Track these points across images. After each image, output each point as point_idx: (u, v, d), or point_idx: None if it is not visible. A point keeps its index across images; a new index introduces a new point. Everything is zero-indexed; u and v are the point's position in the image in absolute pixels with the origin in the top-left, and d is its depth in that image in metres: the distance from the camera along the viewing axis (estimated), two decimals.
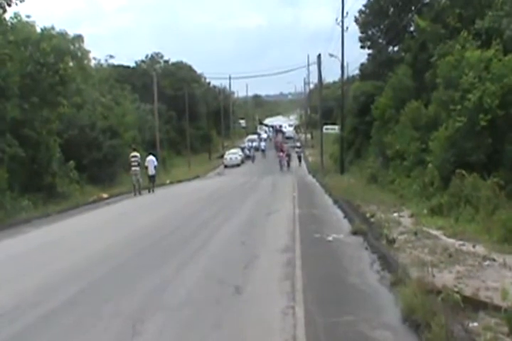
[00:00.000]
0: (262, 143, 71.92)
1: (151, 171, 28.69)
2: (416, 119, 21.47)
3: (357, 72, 43.14)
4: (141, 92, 54.15)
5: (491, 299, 7.06)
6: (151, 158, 29.37)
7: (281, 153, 51.73)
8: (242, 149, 65.28)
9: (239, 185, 31.94)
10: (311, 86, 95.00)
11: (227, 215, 17.12)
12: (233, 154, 60.72)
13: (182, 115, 62.66)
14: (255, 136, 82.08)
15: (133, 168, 27.61)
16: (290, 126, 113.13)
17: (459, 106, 15.89)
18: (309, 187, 28.71)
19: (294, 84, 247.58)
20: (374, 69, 35.79)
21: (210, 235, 13.37)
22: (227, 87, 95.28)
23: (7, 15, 22.39)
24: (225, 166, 58.21)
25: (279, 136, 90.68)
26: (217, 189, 29.26)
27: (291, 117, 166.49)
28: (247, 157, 62.66)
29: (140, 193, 27.38)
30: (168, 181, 36.43)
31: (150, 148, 38.58)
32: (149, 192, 28.22)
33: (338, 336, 6.45)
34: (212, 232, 13.80)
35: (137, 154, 28.24)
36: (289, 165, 50.30)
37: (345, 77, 47.05)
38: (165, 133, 57.25)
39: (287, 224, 14.64)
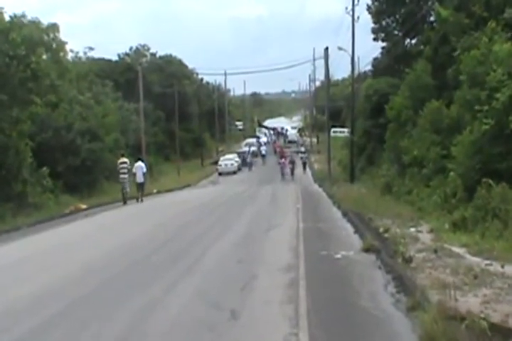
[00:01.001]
0: (263, 148, 72.07)
1: (140, 178, 29.07)
2: (436, 121, 21.51)
3: (369, 67, 43.39)
4: (125, 89, 54.18)
5: None
6: (139, 164, 29.73)
7: (282, 160, 51.82)
8: (239, 155, 65.38)
9: (235, 196, 31.93)
10: (317, 83, 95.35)
11: (221, 229, 17.12)
12: (229, 160, 60.83)
13: (171, 115, 62.73)
14: (254, 140, 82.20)
15: (122, 176, 28.14)
16: (293, 128, 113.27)
17: (485, 107, 15.92)
18: (315, 198, 28.70)
19: (297, 81, 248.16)
20: (388, 65, 35.91)
21: (203, 251, 13.36)
22: (223, 84, 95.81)
23: None
24: (220, 174, 58.41)
25: (281, 139, 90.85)
26: (210, 199, 29.30)
27: (295, 118, 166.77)
28: (244, 163, 62.74)
29: (126, 203, 27.96)
30: (155, 190, 36.48)
31: (135, 153, 38.67)
32: (137, 201, 28.69)
33: None
34: (205, 248, 13.80)
35: (126, 160, 28.77)
36: (293, 173, 50.29)
37: (356, 73, 47.16)
38: (152, 136, 57.26)
39: (290, 240, 14.63)
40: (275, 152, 67.10)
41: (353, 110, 38.90)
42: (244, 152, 67.78)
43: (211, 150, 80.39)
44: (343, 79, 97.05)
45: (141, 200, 28.81)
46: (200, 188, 43.57)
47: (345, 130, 61.75)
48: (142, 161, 30.65)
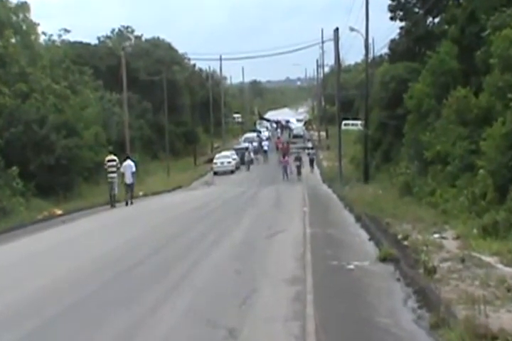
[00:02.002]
0: (264, 143, 72.10)
1: (129, 179, 29.60)
2: (463, 112, 21.49)
3: (385, 50, 43.29)
4: (107, 77, 54.25)
5: None
6: (128, 162, 30.18)
7: (285, 158, 51.69)
8: (237, 151, 65.40)
9: (233, 198, 31.97)
10: (326, 69, 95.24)
11: (217, 237, 17.14)
12: (225, 158, 60.86)
13: (159, 107, 62.80)
14: (254, 135, 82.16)
15: (110, 175, 28.80)
16: (299, 121, 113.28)
17: None
18: (324, 201, 28.74)
19: (303, 67, 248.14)
20: (408, 47, 35.85)
21: (196, 262, 13.37)
22: (218, 70, 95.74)
23: None
24: (215, 173, 58.52)
25: (285, 134, 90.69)
26: (204, 203, 29.32)
27: (301, 110, 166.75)
28: (242, 162, 62.84)
29: (114, 205, 28.59)
30: (141, 193, 36.47)
31: (118, 150, 38.69)
32: (127, 204, 29.26)
33: None
34: (198, 258, 13.80)
35: (115, 158, 29.34)
36: (300, 172, 50.21)
37: (371, 57, 47.18)
38: (137, 131, 57.31)
39: (295, 248, 14.65)
40: (277, 149, 67.08)
41: (367, 99, 38.87)
42: (243, 148, 67.79)
43: (205, 147, 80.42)
44: (356, 65, 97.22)
45: (131, 203, 29.44)
46: (193, 190, 43.55)
47: (359, 122, 61.60)
48: (131, 160, 31.08)
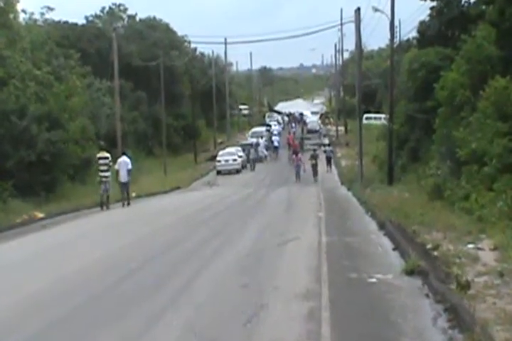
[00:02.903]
0: (275, 138, 72.00)
1: (124, 177, 30.13)
2: (502, 105, 21.41)
3: (414, 34, 43.20)
4: (96, 63, 54.38)
5: None
6: (123, 159, 30.61)
7: (297, 156, 51.36)
8: (244, 148, 65.32)
9: (238, 201, 32.06)
10: (346, 55, 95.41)
11: (220, 245, 17.17)
12: (230, 155, 60.86)
13: (155, 97, 62.89)
14: (263, 129, 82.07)
15: (101, 174, 29.30)
16: (314, 114, 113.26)
17: None
18: (342, 205, 28.77)
19: (319, 52, 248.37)
20: (439, 31, 35.78)
21: (197, 273, 13.39)
22: (222, 56, 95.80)
23: None
24: (218, 172, 58.71)
25: (297, 128, 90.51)
26: (206, 206, 29.39)
27: (316, 101, 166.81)
28: (249, 159, 62.93)
29: (108, 207, 29.08)
30: (133, 194, 36.46)
31: (109, 146, 38.77)
32: (123, 205, 29.95)
33: None
34: (199, 269, 13.82)
35: (107, 155, 29.87)
36: (316, 172, 49.69)
37: (397, 41, 47.04)
38: (130, 124, 57.47)
39: (309, 259, 14.67)
40: (289, 145, 67.03)
41: (392, 90, 38.76)
42: (250, 144, 67.79)
43: (207, 143, 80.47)
44: (380, 50, 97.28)
45: (128, 204, 30.15)
46: (194, 191, 43.57)
47: (382, 116, 61.52)
48: (127, 156, 31.46)
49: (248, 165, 61.56)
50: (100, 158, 29.59)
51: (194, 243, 17.77)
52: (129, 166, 30.32)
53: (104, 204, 29.09)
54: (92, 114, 44.74)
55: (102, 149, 30.23)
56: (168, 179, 51.09)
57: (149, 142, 65.56)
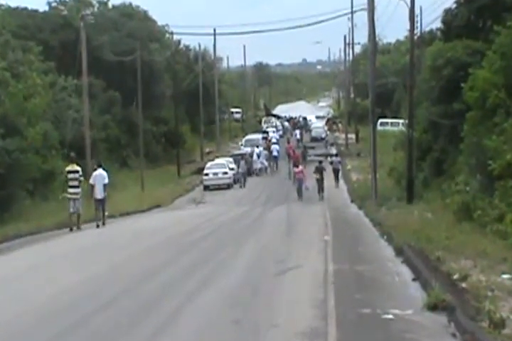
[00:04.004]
0: (274, 147, 71.86)
1: (100, 193, 30.42)
2: None
3: (437, 24, 43.25)
4: (60, 57, 54.36)
5: None
6: (99, 172, 30.83)
7: (298, 168, 50.68)
8: (236, 159, 65.21)
9: (230, 222, 32.05)
10: (357, 49, 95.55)
11: (209, 273, 17.19)
12: (220, 167, 60.75)
13: (131, 97, 62.81)
14: (259, 137, 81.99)
15: (70, 190, 29.43)
16: (319, 118, 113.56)
17: None
18: (353, 227, 28.77)
19: (326, 45, 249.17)
20: (468, 20, 35.82)
21: (180, 308, 13.37)
22: (211, 49, 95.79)
23: None
24: (206, 188, 58.71)
25: (300, 136, 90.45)
26: (192, 227, 29.47)
27: (322, 104, 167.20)
28: (248, 172, 62.86)
29: (79, 228, 29.24)
30: (106, 213, 36.48)
31: (76, 156, 38.62)
32: (98, 226, 30.11)
33: None
34: (183, 302, 13.81)
35: (78, 168, 30.04)
36: (322, 188, 49.21)
37: (418, 33, 47.11)
38: (101, 130, 57.30)
39: (314, 291, 14.64)
40: (288, 156, 67.09)
41: (412, 90, 38.76)
42: (243, 154, 67.78)
43: (193, 152, 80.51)
44: (398, 43, 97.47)
45: (103, 224, 30.40)
46: (177, 210, 43.53)
47: (400, 122, 61.55)
48: (103, 168, 31.63)
49: (243, 180, 61.28)
50: (69, 172, 29.57)
51: (177, 271, 17.74)
52: (106, 180, 30.60)
53: (74, 224, 29.15)
54: (55, 117, 44.71)
55: (71, 162, 30.05)
56: (147, 195, 50.96)
57: (124, 151, 65.49)
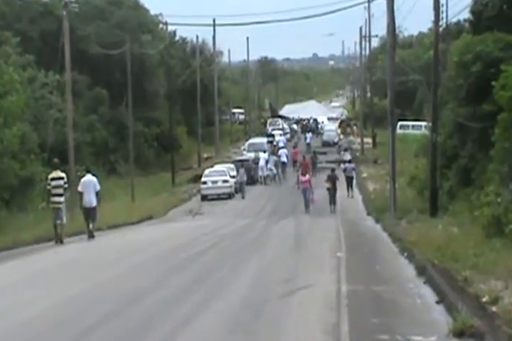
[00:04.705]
0: (282, 152, 71.78)
1: (89, 202, 30.71)
2: None
3: (466, 15, 43.26)
4: (40, 49, 54.41)
5: None
6: (88, 178, 31.22)
7: (305, 177, 50.14)
8: (237, 166, 65.14)
9: (231, 236, 32.08)
10: (375, 43, 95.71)
11: (207, 294, 17.14)
12: (219, 175, 60.81)
13: (121, 96, 62.86)
14: (263, 141, 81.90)
15: (54, 199, 29.55)
16: (331, 120, 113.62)
17: None
18: (369, 242, 28.77)
19: (339, 38, 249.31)
20: (500, 10, 35.83)
21: (171, 335, 13.33)
22: (210, 42, 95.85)
23: None
24: (204, 198, 58.93)
25: (307, 138, 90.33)
26: (188, 242, 29.62)
27: (335, 103, 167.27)
28: (252, 180, 62.89)
29: (61, 241, 29.37)
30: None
31: (60, 162, 38.67)
32: (89, 238, 30.54)
33: None
34: (177, 327, 13.80)
35: (62, 175, 30.11)
36: (334, 200, 48.76)
37: (443, 24, 47.06)
38: (86, 132, 57.31)
39: (325, 314, 14.62)
40: (294, 163, 67.04)
41: (437, 89, 38.77)
42: (245, 161, 67.77)
43: (189, 158, 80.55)
44: (420, 36, 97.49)
45: (92, 236, 30.59)
46: (171, 223, 43.56)
47: (423, 124, 61.51)
48: (92, 174, 32.04)
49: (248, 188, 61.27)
50: (53, 179, 29.58)
51: (170, 291, 17.70)
52: (97, 187, 30.86)
53: (59, 237, 29.32)
54: (34, 117, 44.78)
55: (55, 168, 30.07)
56: (137, 206, 51.09)
57: (111, 156, 65.52)
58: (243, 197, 59.80)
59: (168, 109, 74.48)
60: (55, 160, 33.10)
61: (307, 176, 49.59)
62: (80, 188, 30.69)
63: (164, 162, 71.55)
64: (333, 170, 51.81)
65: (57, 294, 18.12)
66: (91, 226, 30.68)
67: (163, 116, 75.79)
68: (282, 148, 75.52)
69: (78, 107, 52.69)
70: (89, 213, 30.58)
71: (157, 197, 56.93)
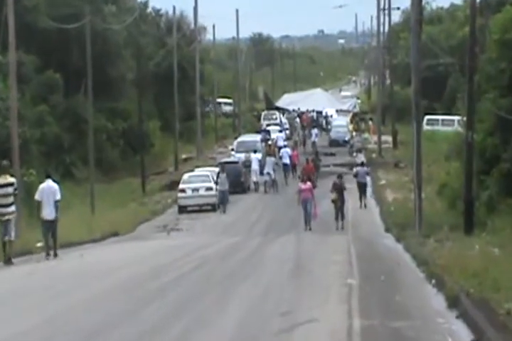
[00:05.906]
0: (284, 151, 71.77)
1: (50, 213, 31.13)
2: None
3: None
4: None
5: None
6: (47, 185, 31.73)
7: (305, 185, 49.70)
8: (224, 169, 64.91)
9: (215, 258, 32.16)
10: (395, 17, 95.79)
11: (180, 334, 17.06)
12: (201, 181, 60.89)
13: (78, 82, 62.94)
14: (256, 138, 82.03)
15: (2, 210, 29.81)
16: (341, 113, 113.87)
17: None
18: (388, 266, 28.85)
19: (351, 12, 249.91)
20: None
21: None
22: (190, 15, 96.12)
23: None
24: (182, 209, 59.19)
25: (313, 135, 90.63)
26: (162, 265, 29.64)
27: (346, 93, 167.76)
28: (242, 188, 63.21)
29: (10, 261, 29.82)
30: (39, 244, 36.40)
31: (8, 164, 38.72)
32: (47, 256, 31.17)
33: None
34: None
35: (12, 180, 30.48)
36: (342, 213, 48.51)
37: None
38: (35, 126, 57.33)
39: None
40: (293, 169, 67.29)
41: (473, 75, 38.80)
42: (235, 163, 67.84)
43: (164, 159, 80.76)
44: (452, 9, 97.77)
45: (54, 255, 31.19)
46: (141, 241, 43.59)
47: (455, 119, 61.70)
48: (53, 180, 32.48)
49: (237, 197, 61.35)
50: (2, 186, 29.76)
51: (136, 329, 17.54)
52: (57, 196, 31.21)
53: (8, 256, 29.69)
54: None
55: (3, 171, 30.17)
56: (99, 219, 51.16)
57: (66, 157, 65.63)
58: (224, 212, 58.17)
59: (138, 98, 74.51)
60: (5, 162, 32.90)
61: (308, 184, 48.94)
62: (37, 197, 31.04)
63: (132, 164, 71.75)
64: (339, 176, 51.01)
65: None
66: (51, 242, 31.01)
67: (131, 108, 75.71)
68: (283, 147, 75.35)
69: (24, 95, 52.72)
70: (50, 227, 30.91)
71: (123, 209, 57.03)
